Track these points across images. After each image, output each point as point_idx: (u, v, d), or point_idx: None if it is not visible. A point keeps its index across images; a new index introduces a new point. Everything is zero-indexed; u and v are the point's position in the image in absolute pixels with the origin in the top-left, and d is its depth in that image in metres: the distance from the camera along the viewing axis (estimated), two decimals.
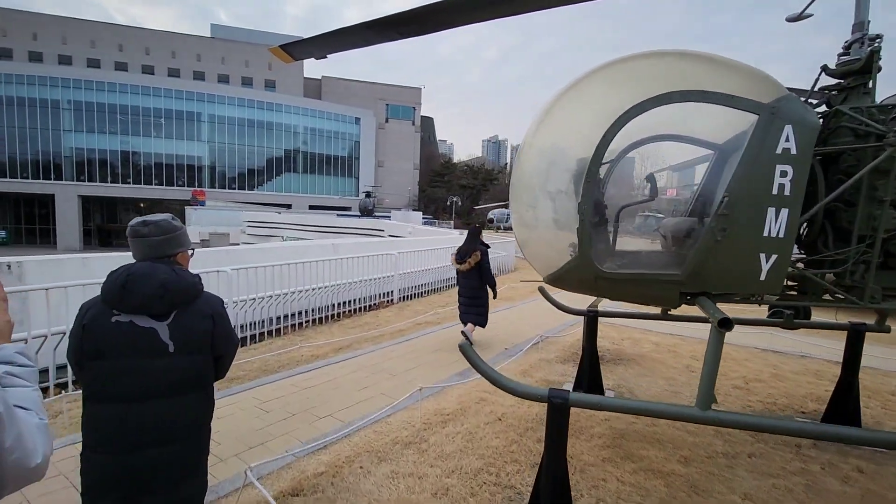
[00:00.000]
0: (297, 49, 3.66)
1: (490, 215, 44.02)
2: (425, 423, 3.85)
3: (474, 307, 6.10)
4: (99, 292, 1.70)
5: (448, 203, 53.49)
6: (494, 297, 6.31)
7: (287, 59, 3.96)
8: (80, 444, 1.65)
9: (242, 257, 7.78)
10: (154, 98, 50.97)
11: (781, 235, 2.44)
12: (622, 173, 3.21)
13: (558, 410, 2.38)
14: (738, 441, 3.70)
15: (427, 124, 78.87)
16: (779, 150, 2.41)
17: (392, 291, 9.76)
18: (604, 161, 2.89)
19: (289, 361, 5.44)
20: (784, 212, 2.43)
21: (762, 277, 2.53)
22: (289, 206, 53.96)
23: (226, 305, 1.85)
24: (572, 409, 2.47)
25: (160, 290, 1.65)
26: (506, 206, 45.62)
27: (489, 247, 6.38)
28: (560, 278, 3.11)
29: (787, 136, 2.40)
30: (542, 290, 5.00)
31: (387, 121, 69.12)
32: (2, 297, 1.06)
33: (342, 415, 4.00)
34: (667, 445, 3.61)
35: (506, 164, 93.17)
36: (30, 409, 0.97)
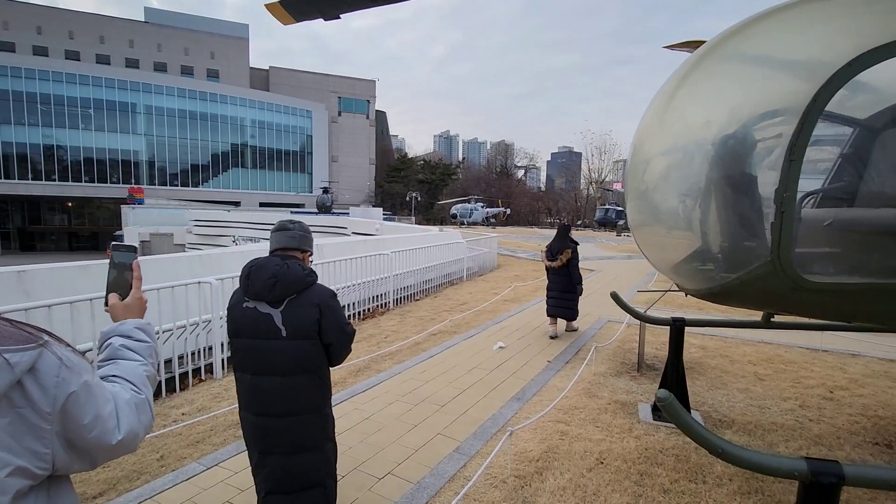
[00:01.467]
0: (298, 5, 2.84)
1: (452, 211, 43.28)
2: (518, 477, 3.02)
3: (564, 301, 6.34)
4: None
5: (407, 198, 52.24)
6: (580, 293, 6.45)
7: (286, 20, 3.08)
8: None
9: (222, 264, 6.57)
10: (81, 87, 46.29)
11: None
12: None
13: (828, 493, 1.63)
14: None
15: (380, 119, 76.92)
16: None
17: (387, 293, 8.80)
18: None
19: None
20: None
21: None
22: (237, 204, 50.86)
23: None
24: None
25: (271, 279, 1.89)
26: (468, 202, 45.07)
27: (578, 244, 6.51)
28: (731, 291, 2.36)
29: None
30: (615, 296, 4.30)
31: (340, 114, 66.74)
32: (137, 277, 1.18)
33: (405, 471, 3.10)
34: None
35: (464, 158, 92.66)
36: (126, 384, 0.99)
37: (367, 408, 4.07)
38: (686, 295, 3.46)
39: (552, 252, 6.45)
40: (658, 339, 6.26)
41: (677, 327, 4.01)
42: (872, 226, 2.14)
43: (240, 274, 1.98)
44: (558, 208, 56.64)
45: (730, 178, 2.32)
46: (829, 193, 2.27)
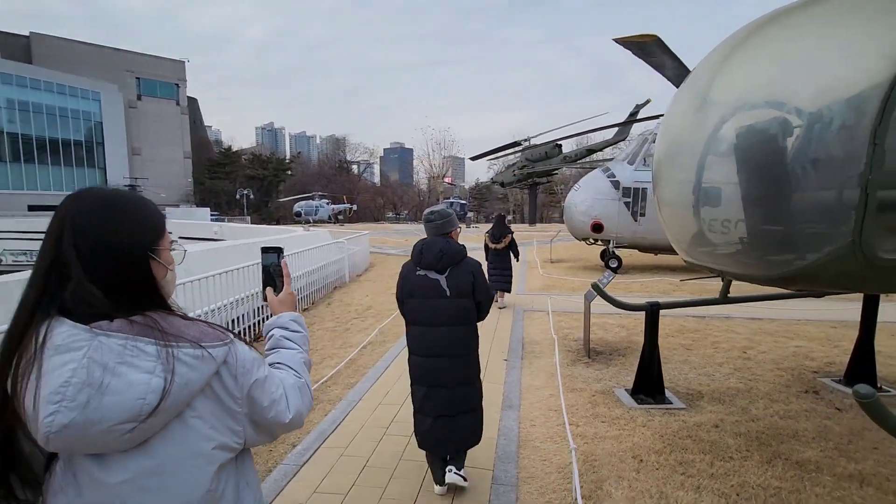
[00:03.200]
0: None
1: (296, 209, 40.26)
2: (586, 498, 2.70)
3: (505, 276, 7.79)
4: None
5: (237, 196, 46.92)
6: (517, 261, 8.24)
7: None
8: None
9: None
10: None
11: None
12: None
13: None
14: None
15: (192, 106, 67.17)
16: None
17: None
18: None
19: (260, 450, 3.35)
20: None
21: None
22: None
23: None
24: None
25: (439, 254, 2.64)
26: (311, 198, 42.49)
27: (513, 231, 8.14)
28: (807, 274, 2.42)
29: None
30: (596, 286, 4.26)
31: (140, 98, 56.35)
32: (287, 275, 1.28)
33: None
34: (821, 441, 3.34)
35: (298, 152, 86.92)
36: (290, 370, 1.10)
37: (354, 450, 3.29)
38: (723, 280, 3.56)
39: (495, 236, 7.93)
40: (578, 323, 6.58)
41: (653, 311, 4.17)
42: None
43: (413, 250, 2.73)
44: (402, 202, 57.43)
45: (807, 161, 2.35)
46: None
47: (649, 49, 4.83)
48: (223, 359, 0.89)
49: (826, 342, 5.54)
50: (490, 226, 8.63)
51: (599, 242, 12.00)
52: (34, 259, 0.86)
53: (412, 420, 2.86)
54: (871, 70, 2.22)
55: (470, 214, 40.61)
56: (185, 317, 0.91)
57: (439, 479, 2.71)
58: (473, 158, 36.00)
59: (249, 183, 53.38)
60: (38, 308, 0.81)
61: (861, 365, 4.28)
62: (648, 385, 4.16)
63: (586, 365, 5.09)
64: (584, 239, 12.00)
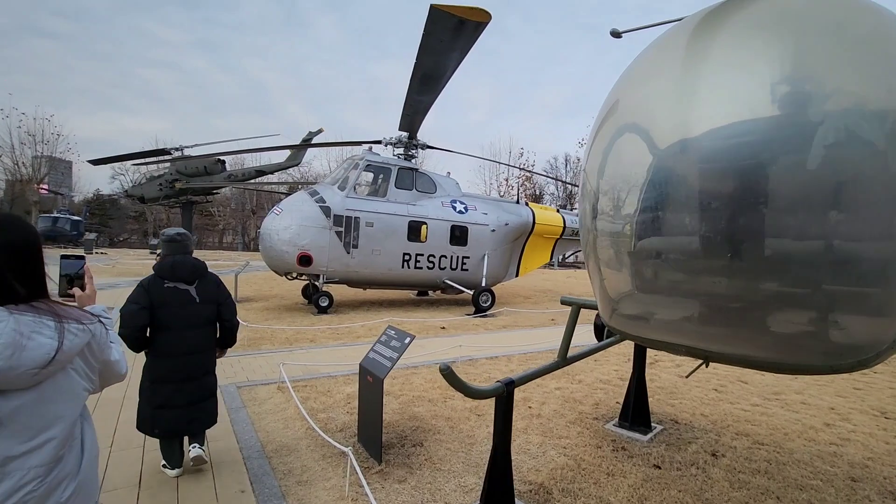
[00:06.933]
0: None
1: None
2: None
3: None
4: None
5: None
6: None
7: None
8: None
9: None
10: None
11: None
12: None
13: None
14: None
15: None
16: None
17: None
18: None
19: None
20: None
21: None
22: None
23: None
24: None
25: (192, 269, 3.16)
26: None
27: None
28: (881, 356, 1.70)
29: None
30: (447, 373, 2.68)
31: None
32: (90, 277, 1.63)
33: None
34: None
35: None
36: (114, 344, 1.56)
37: None
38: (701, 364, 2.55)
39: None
40: (332, 399, 4.79)
41: (509, 394, 2.96)
42: None
43: (162, 266, 3.10)
44: None
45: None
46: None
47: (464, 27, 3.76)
48: (92, 333, 1.41)
49: (570, 379, 5.75)
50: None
51: (304, 277, 10.19)
52: None
53: None
54: None
55: (91, 236, 29.96)
56: (63, 304, 1.40)
57: (177, 463, 3.16)
58: (96, 162, 27.14)
59: None
60: None
61: (638, 406, 4.35)
62: (502, 499, 2.90)
63: (382, 475, 3.41)
64: (287, 273, 9.92)
